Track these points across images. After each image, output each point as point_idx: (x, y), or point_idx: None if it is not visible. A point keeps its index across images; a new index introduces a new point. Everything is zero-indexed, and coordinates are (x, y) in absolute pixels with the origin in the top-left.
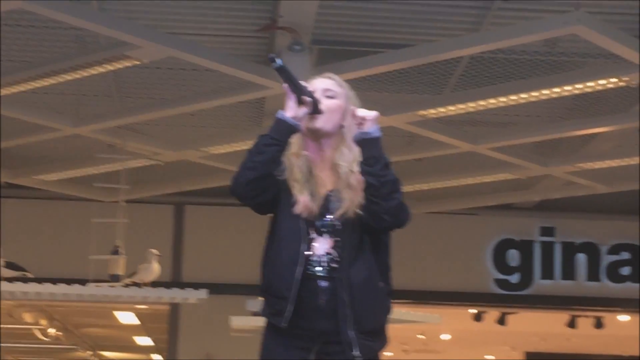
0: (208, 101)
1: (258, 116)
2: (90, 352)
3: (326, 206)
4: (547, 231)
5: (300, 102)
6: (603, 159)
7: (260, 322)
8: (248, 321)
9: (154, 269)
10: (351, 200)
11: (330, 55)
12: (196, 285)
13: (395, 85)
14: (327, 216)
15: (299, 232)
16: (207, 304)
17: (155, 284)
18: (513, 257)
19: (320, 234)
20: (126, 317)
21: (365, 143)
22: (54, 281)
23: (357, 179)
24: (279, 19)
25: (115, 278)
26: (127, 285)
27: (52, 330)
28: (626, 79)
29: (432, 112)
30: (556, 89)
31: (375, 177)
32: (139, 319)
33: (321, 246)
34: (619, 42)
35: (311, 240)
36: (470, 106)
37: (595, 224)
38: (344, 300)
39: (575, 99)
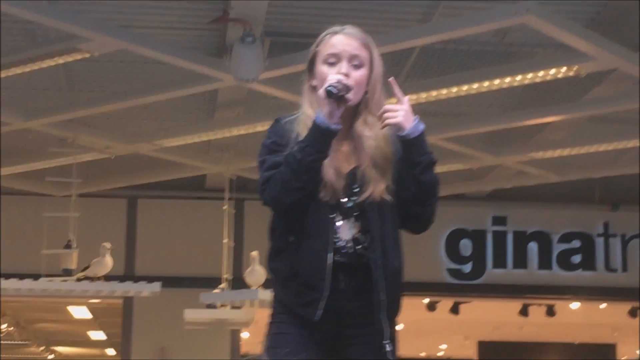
0: (160, 94)
1: (210, 108)
2: (43, 347)
3: (351, 185)
4: (499, 220)
5: (338, 101)
6: (554, 148)
7: (214, 314)
8: (202, 314)
9: (107, 263)
10: (376, 182)
11: (282, 47)
12: (150, 279)
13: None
14: (353, 197)
15: (326, 216)
16: (160, 298)
17: (108, 278)
18: (465, 246)
19: (346, 216)
20: (79, 312)
21: (404, 144)
22: (6, 276)
23: (384, 154)
24: (230, 11)
25: (68, 272)
26: (80, 280)
27: (4, 326)
28: (576, 68)
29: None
30: (507, 79)
31: (414, 181)
32: (92, 313)
33: (348, 231)
34: (569, 31)
35: (337, 223)
36: (422, 97)
37: (547, 213)
38: (380, 285)
39: (526, 89)
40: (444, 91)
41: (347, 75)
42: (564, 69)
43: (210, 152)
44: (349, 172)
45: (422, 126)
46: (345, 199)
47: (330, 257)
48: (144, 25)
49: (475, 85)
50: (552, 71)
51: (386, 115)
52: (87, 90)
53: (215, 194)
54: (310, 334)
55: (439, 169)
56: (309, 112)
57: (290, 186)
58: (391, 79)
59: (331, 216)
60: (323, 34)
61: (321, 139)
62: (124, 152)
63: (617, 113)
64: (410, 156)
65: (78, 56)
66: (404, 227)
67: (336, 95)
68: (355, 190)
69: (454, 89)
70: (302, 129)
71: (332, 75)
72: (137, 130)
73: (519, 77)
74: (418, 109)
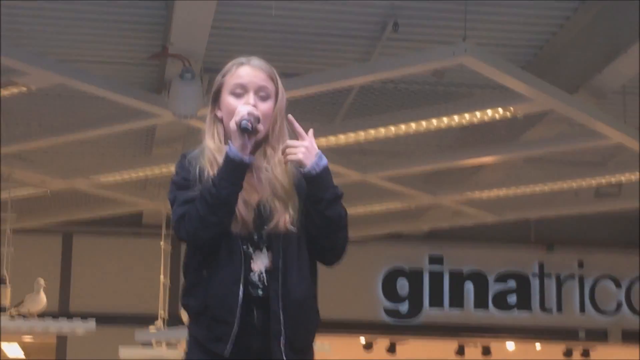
0: (97, 129)
1: (148, 144)
2: None
3: (260, 216)
4: (436, 260)
5: (249, 133)
6: (491, 189)
7: (150, 353)
8: (137, 352)
9: (41, 299)
10: (280, 213)
11: None
12: (84, 316)
13: (285, 113)
14: (262, 229)
15: (238, 249)
16: (95, 335)
17: (42, 315)
18: (402, 286)
19: (257, 248)
20: (11, 350)
21: (306, 181)
22: None
23: (283, 186)
24: (169, 46)
25: (0, 309)
26: (12, 316)
27: None
28: (513, 109)
29: (322, 141)
30: (445, 119)
31: (320, 216)
32: (25, 351)
33: (261, 262)
34: (506, 72)
35: (249, 256)
36: (361, 135)
37: (483, 252)
38: (278, 317)
39: (463, 129)
40: (382, 130)
41: (254, 106)
42: (500, 109)
43: (148, 188)
44: (257, 203)
45: (324, 162)
46: (257, 229)
47: (241, 290)
48: (82, 59)
49: (413, 125)
50: (489, 112)
51: (287, 151)
52: (23, 124)
53: (152, 230)
54: None
55: (377, 207)
56: (211, 145)
57: (207, 221)
58: (289, 116)
59: (244, 248)
60: (229, 64)
61: (235, 172)
62: (60, 187)
63: (553, 154)
64: (313, 192)
65: (14, 90)
66: (318, 259)
67: (249, 130)
68: (265, 219)
69: (392, 128)
70: (206, 163)
71: (241, 107)
72: (74, 165)
73: (456, 117)
74: (357, 147)
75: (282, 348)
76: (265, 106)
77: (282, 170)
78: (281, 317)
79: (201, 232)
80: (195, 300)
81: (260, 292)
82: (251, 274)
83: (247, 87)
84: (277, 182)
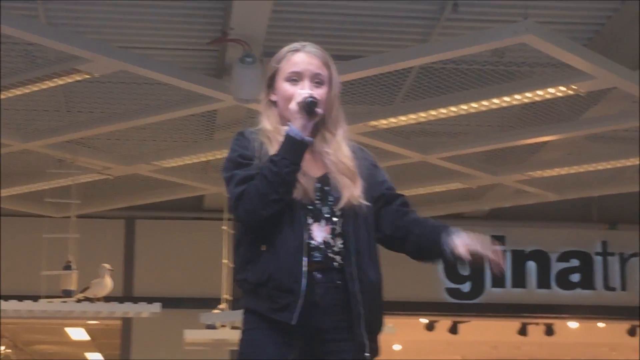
0: (159, 114)
1: (210, 129)
2: None
3: (322, 191)
4: (497, 239)
5: (310, 114)
6: (552, 167)
7: (214, 335)
8: (202, 334)
9: (107, 284)
10: (349, 187)
11: None
12: (148, 300)
13: (346, 96)
14: (326, 201)
15: (300, 218)
16: (159, 318)
17: (107, 299)
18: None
19: (317, 219)
20: (77, 333)
21: (444, 257)
22: (5, 298)
23: (347, 167)
24: (229, 31)
25: (68, 293)
26: (79, 301)
27: (2, 349)
28: (575, 87)
29: (383, 123)
30: (506, 98)
31: (410, 244)
32: (90, 335)
33: (320, 233)
34: (568, 50)
35: (309, 226)
36: (421, 116)
37: (545, 231)
38: (357, 298)
39: (524, 107)
40: (443, 110)
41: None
42: (562, 87)
43: (209, 173)
44: (322, 176)
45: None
46: (317, 202)
47: (305, 260)
48: (143, 45)
49: (474, 105)
50: (551, 90)
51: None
52: (86, 111)
53: (214, 215)
54: (285, 343)
55: (438, 188)
56: (267, 127)
57: (268, 199)
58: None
59: (304, 218)
60: (283, 51)
61: (296, 150)
62: (122, 173)
63: (615, 131)
64: (439, 257)
65: (77, 77)
66: (383, 245)
67: (310, 108)
68: (327, 192)
69: (453, 109)
70: (265, 140)
71: (302, 91)
72: (136, 151)
73: (518, 96)
74: (417, 128)
75: (363, 332)
76: (321, 92)
77: (344, 152)
78: (361, 299)
79: (261, 210)
80: (254, 274)
81: (321, 259)
82: (313, 242)
83: (302, 75)
84: (340, 163)
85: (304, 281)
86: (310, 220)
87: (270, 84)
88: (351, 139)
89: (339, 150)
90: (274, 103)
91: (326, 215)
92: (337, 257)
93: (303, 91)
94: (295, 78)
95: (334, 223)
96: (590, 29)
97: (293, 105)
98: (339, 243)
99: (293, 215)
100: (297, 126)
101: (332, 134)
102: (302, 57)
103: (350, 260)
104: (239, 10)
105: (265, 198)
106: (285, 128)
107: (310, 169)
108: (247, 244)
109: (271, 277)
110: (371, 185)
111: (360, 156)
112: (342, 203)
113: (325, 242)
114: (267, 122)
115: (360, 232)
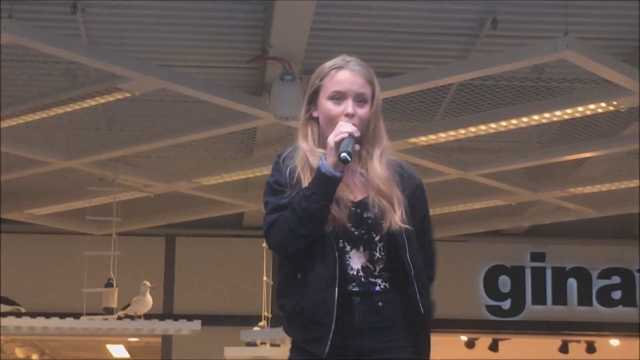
0: (199, 132)
1: (249, 147)
2: None
3: (358, 215)
4: (537, 257)
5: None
6: (593, 184)
7: (255, 352)
8: (242, 352)
9: (148, 301)
10: (390, 212)
11: None
12: (188, 317)
13: (385, 113)
14: (363, 226)
15: (332, 247)
16: (200, 336)
17: (148, 316)
18: (504, 283)
19: (355, 245)
20: (118, 351)
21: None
22: (47, 315)
23: (383, 184)
24: (269, 49)
25: (109, 311)
26: (120, 318)
27: None
28: (615, 103)
29: (422, 140)
30: (546, 115)
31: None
32: (130, 352)
33: (357, 260)
34: (608, 66)
35: (345, 254)
36: (460, 133)
37: (586, 248)
38: (423, 319)
39: (564, 124)
40: (482, 127)
41: (353, 115)
42: (603, 104)
43: (249, 190)
44: (359, 201)
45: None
46: (354, 228)
47: (336, 291)
48: (183, 64)
49: (513, 121)
50: (591, 106)
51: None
52: (126, 130)
53: (253, 232)
54: None
55: (477, 205)
56: (305, 146)
57: (296, 233)
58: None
59: (339, 246)
60: (327, 66)
61: (326, 186)
62: (163, 191)
63: None
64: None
65: (118, 96)
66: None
67: (348, 161)
68: (366, 219)
69: (492, 125)
70: (299, 165)
71: (344, 125)
72: (176, 168)
73: (557, 113)
74: (457, 145)
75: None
76: (363, 111)
77: (378, 173)
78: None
79: (289, 244)
80: (289, 303)
81: (356, 290)
82: (350, 270)
83: (346, 94)
84: (377, 181)
85: (334, 313)
86: (347, 248)
87: (312, 100)
88: (395, 156)
89: (374, 171)
90: (315, 119)
91: (365, 241)
92: (379, 280)
93: (345, 126)
94: (339, 97)
95: (374, 248)
96: (630, 44)
97: (330, 140)
98: (379, 267)
99: (325, 245)
100: (329, 162)
101: (367, 153)
102: (346, 76)
103: (412, 282)
104: (278, 27)
105: (294, 232)
106: (321, 151)
107: (346, 192)
108: (285, 269)
109: (303, 309)
110: (413, 208)
111: (406, 176)
112: (383, 230)
113: (364, 268)
114: (304, 141)
115: (411, 249)
